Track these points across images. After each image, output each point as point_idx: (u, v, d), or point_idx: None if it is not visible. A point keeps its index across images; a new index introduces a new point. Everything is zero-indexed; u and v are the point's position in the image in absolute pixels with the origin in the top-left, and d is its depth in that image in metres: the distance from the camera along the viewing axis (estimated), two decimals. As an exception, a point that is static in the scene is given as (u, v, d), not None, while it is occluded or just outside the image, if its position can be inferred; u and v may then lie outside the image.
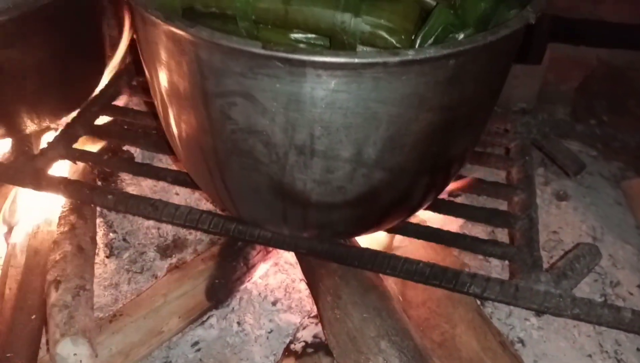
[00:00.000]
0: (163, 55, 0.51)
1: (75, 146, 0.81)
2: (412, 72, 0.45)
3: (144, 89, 0.90)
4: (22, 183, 0.75)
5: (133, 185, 1.01)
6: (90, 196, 0.73)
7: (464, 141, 0.59)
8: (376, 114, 0.48)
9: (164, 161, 1.02)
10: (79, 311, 0.66)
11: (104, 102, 0.87)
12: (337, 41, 0.47)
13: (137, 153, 1.00)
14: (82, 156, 0.80)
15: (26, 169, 0.75)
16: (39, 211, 0.83)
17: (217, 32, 0.45)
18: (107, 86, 0.89)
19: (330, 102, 0.47)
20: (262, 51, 0.44)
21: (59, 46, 0.73)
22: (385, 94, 0.47)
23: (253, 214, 0.66)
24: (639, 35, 1.32)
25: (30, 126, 0.79)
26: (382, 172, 0.53)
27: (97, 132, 0.85)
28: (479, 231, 0.95)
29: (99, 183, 0.98)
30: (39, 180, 0.75)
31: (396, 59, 0.44)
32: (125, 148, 0.97)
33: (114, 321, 0.71)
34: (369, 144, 0.50)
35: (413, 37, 0.47)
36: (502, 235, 0.96)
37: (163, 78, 0.54)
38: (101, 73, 0.87)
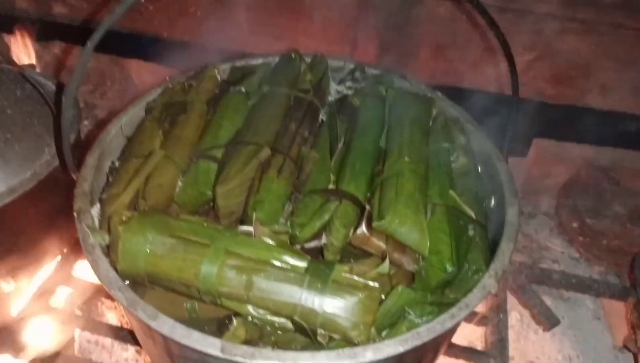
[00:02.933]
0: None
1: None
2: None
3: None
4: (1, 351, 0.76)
5: (113, 309, 1.02)
6: (66, 370, 0.74)
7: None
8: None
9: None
10: None
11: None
12: (297, 323, 0.48)
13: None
14: (59, 317, 0.81)
15: (4, 337, 0.76)
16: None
17: (178, 326, 0.46)
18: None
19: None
20: (221, 355, 0.45)
21: (38, 211, 0.74)
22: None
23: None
24: (624, 128, 1.33)
25: (7, 286, 0.79)
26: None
27: (75, 284, 0.85)
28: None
29: (80, 309, 0.99)
30: (16, 348, 0.76)
31: (354, 362, 0.45)
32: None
33: None
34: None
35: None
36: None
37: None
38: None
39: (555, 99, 1.32)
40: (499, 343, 0.81)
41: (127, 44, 1.42)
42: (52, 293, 0.83)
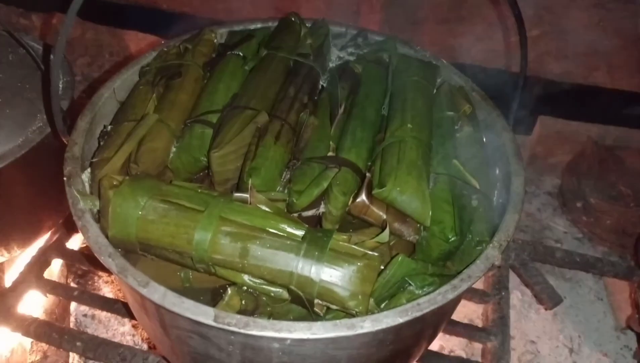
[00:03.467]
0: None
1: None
2: (369, 335, 0.45)
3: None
4: (-6, 322, 0.75)
5: (110, 284, 1.01)
6: (59, 341, 0.73)
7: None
8: (335, 356, 0.48)
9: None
10: None
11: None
12: (293, 292, 0.46)
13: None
14: (53, 289, 0.79)
15: (-3, 308, 0.75)
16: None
17: (170, 293, 0.44)
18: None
19: (288, 351, 0.47)
20: (213, 323, 0.43)
21: (31, 179, 0.72)
22: (344, 344, 0.47)
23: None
24: (630, 107, 1.30)
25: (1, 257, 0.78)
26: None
27: (70, 256, 0.84)
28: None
29: (75, 283, 0.98)
30: (9, 320, 0.74)
31: (352, 333, 0.43)
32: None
33: None
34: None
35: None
36: None
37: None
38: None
39: (561, 77, 1.29)
40: (500, 321, 0.79)
41: (126, 16, 1.39)
42: (46, 264, 0.82)
